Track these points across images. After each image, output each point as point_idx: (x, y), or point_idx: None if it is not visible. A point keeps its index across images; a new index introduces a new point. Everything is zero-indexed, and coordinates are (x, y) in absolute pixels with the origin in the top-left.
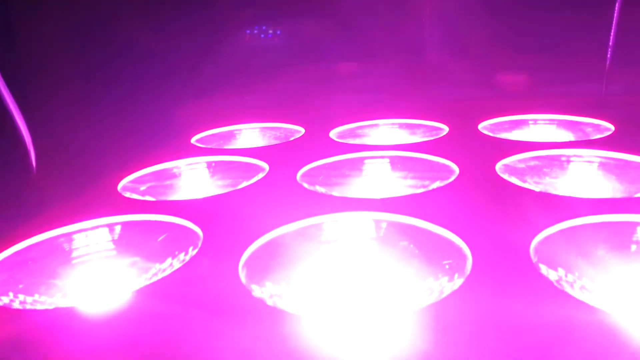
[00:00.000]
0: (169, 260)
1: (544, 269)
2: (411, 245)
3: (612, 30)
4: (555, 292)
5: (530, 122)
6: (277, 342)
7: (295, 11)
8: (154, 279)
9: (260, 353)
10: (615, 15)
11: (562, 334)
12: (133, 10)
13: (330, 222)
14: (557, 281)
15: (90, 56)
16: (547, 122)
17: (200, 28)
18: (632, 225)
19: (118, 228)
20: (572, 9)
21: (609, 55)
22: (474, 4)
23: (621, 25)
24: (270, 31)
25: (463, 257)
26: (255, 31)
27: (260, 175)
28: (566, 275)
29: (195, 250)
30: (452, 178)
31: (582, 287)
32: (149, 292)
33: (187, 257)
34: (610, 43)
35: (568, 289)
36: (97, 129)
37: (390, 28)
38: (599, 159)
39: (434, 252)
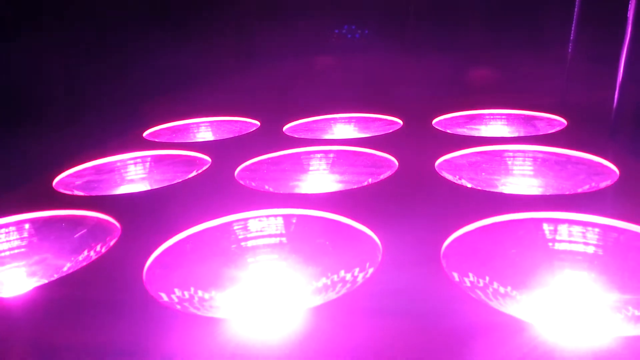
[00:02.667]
0: (79, 257)
1: (450, 269)
2: (325, 242)
3: (573, 23)
4: (458, 293)
5: (484, 117)
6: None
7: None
8: (55, 276)
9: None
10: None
11: (462, 335)
12: None
13: (251, 219)
14: (460, 283)
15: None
16: (502, 117)
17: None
18: (550, 222)
19: (37, 223)
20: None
21: (569, 50)
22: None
23: (583, 18)
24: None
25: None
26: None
27: (197, 171)
28: (469, 276)
29: (100, 248)
30: (388, 173)
31: (485, 288)
32: (46, 290)
33: (92, 254)
34: (571, 37)
35: (471, 290)
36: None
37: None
38: (541, 155)
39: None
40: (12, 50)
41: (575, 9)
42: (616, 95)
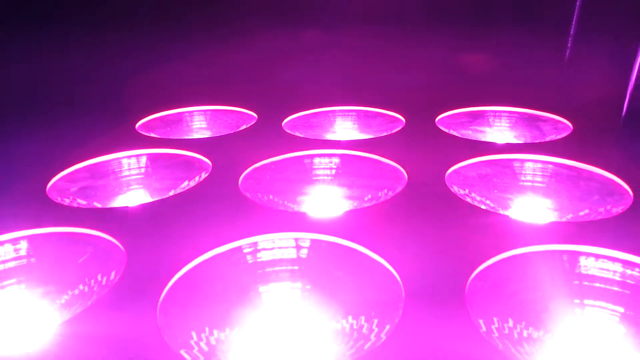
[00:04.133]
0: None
1: (475, 315)
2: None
3: (574, 17)
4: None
5: (488, 116)
6: None
7: None
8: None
9: None
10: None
11: None
12: None
13: (262, 242)
14: (486, 331)
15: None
16: (506, 115)
17: None
18: (572, 255)
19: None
20: None
21: (569, 45)
22: None
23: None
24: None
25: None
26: None
27: (201, 176)
28: (495, 322)
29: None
30: (399, 189)
31: (509, 333)
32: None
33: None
34: (571, 32)
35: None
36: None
37: None
38: (551, 167)
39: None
40: None
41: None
42: (628, 98)
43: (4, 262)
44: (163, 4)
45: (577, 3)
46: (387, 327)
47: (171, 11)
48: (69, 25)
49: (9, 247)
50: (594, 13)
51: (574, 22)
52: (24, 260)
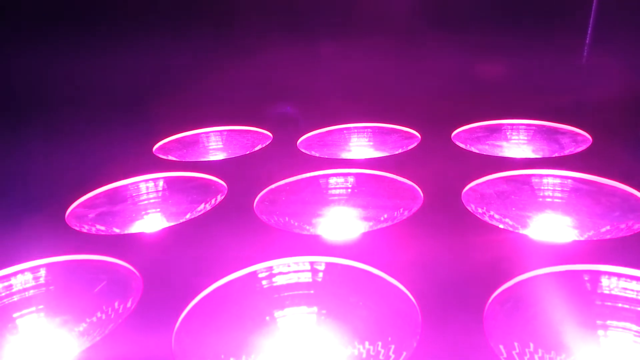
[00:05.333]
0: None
1: (495, 342)
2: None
3: (590, 25)
4: None
5: (505, 129)
6: None
7: None
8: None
9: None
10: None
11: None
12: None
13: (277, 267)
14: (506, 357)
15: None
16: (523, 129)
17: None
18: (592, 275)
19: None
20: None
21: (584, 54)
22: None
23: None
24: None
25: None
26: None
27: (217, 199)
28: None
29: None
30: (414, 209)
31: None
32: None
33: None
34: (587, 41)
35: None
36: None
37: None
38: (570, 183)
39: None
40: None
41: (596, 10)
42: None
43: (23, 290)
44: (181, 28)
45: (593, 11)
46: (404, 353)
47: (192, 35)
48: (88, 48)
49: (28, 275)
50: (611, 22)
51: (589, 31)
52: (43, 289)
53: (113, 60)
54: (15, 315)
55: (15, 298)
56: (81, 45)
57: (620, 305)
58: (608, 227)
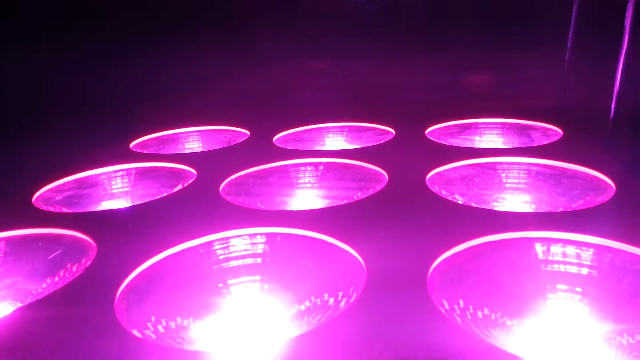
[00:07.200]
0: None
1: (437, 296)
2: (308, 263)
3: (570, 34)
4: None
5: (478, 126)
6: None
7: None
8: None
9: None
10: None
11: None
12: None
13: (233, 238)
14: (449, 311)
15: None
16: (496, 126)
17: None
18: (543, 242)
19: (13, 242)
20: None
21: (567, 55)
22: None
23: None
24: None
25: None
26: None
27: (182, 185)
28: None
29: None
30: (377, 188)
31: (474, 316)
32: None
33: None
34: (568, 45)
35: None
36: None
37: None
38: (535, 168)
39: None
40: None
41: (573, 12)
42: (614, 103)
43: None
44: (172, 28)
45: (573, 18)
46: (345, 300)
47: (181, 38)
48: (77, 44)
49: None
50: (589, 28)
51: (569, 36)
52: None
53: (97, 64)
54: None
55: None
56: (69, 50)
57: (569, 270)
58: (564, 203)
